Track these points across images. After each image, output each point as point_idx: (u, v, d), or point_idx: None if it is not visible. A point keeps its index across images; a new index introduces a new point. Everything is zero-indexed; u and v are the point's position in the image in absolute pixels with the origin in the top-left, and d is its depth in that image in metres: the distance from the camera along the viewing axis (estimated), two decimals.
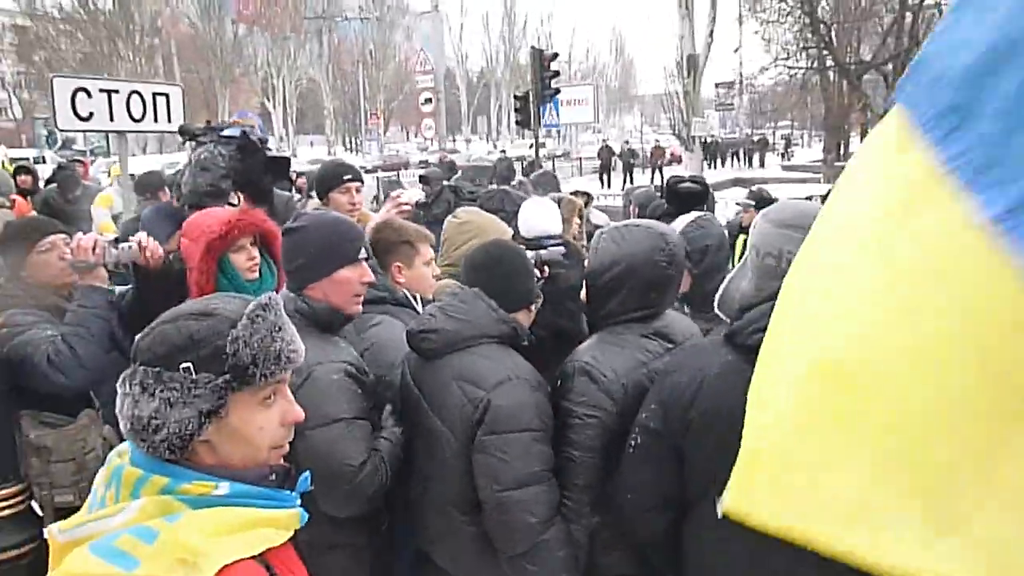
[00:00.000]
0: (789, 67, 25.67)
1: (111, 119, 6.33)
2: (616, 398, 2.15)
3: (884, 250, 1.20)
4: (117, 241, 2.81)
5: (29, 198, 8.55)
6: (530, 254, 2.62)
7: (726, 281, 2.10)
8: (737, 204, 7.64)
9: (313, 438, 2.09)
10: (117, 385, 1.26)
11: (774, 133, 54.29)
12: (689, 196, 4.85)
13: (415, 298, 2.91)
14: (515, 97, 19.27)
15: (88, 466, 2.78)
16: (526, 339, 2.33)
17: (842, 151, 29.13)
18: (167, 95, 6.74)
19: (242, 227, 2.77)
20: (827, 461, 1.19)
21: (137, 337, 1.30)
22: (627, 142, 36.83)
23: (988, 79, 1.13)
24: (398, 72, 64.98)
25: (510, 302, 2.32)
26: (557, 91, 18.26)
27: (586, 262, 2.44)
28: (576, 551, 2.17)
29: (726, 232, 3.59)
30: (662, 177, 27.74)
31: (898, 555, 1.11)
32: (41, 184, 9.84)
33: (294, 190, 8.08)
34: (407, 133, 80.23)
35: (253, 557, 1.19)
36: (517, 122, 19.55)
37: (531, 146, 20.29)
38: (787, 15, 24.44)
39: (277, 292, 2.30)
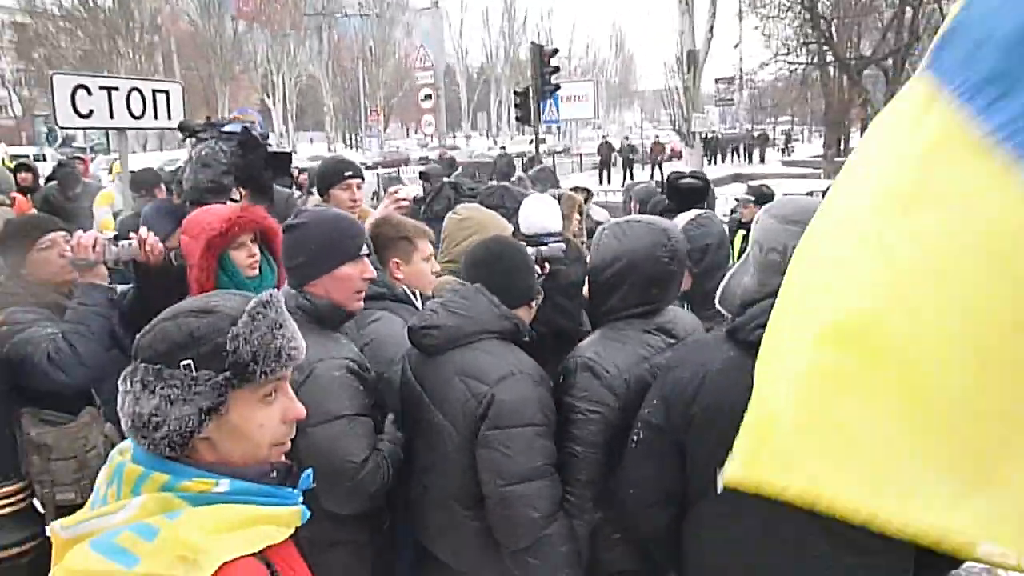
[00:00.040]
0: (789, 62, 25.67)
1: (111, 116, 6.33)
2: (619, 393, 2.15)
3: (906, 213, 1.16)
4: (117, 238, 2.80)
5: (29, 196, 8.53)
6: (530, 250, 2.61)
7: (727, 277, 2.10)
8: (736, 200, 7.63)
9: (315, 435, 2.09)
10: (118, 382, 1.26)
11: (774, 129, 54.25)
12: (690, 192, 4.86)
13: (414, 294, 2.91)
14: (515, 93, 19.25)
15: (89, 464, 2.78)
16: (527, 335, 2.33)
17: (842, 147, 29.12)
18: (167, 92, 6.74)
19: (243, 224, 2.77)
20: (848, 423, 1.15)
21: (138, 334, 1.29)
22: (627, 138, 36.76)
23: None
24: (398, 68, 64.93)
25: (511, 298, 2.32)
26: (557, 87, 18.24)
27: (587, 259, 2.44)
28: (578, 546, 2.17)
29: (727, 230, 3.59)
30: (661, 173, 27.73)
31: (925, 516, 1.08)
32: (41, 181, 9.82)
33: (295, 187, 8.07)
34: (407, 130, 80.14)
35: (254, 554, 1.19)
36: (517, 118, 19.55)
37: (531, 142, 20.30)
38: (787, 10, 24.45)
39: (278, 289, 2.30)
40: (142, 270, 2.81)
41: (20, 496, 2.77)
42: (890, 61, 22.53)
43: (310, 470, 1.40)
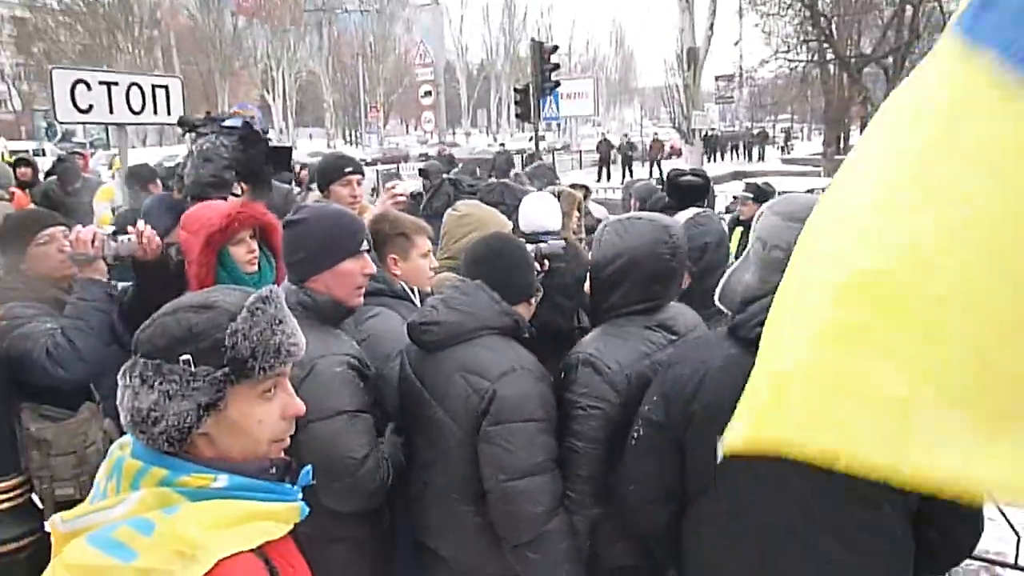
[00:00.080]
0: (789, 60, 25.61)
1: (110, 111, 6.32)
2: (620, 389, 2.15)
3: (930, 168, 1.12)
4: (116, 233, 2.80)
5: (28, 190, 8.52)
6: (529, 247, 2.61)
7: (727, 274, 2.09)
8: (734, 197, 7.63)
9: (316, 431, 2.09)
10: (118, 377, 1.26)
11: (774, 126, 54.27)
12: (690, 189, 4.85)
13: (412, 291, 2.90)
14: (515, 90, 19.22)
15: (89, 459, 2.77)
16: (527, 332, 2.33)
17: (842, 144, 29.13)
18: (166, 87, 6.73)
19: (242, 220, 2.76)
20: (868, 377, 1.11)
21: (138, 329, 1.29)
22: (626, 135, 36.70)
23: None
24: (398, 65, 64.94)
25: (511, 295, 2.32)
26: (557, 84, 18.21)
27: (581, 258, 2.43)
28: (579, 541, 2.18)
29: (726, 228, 3.59)
30: (660, 171, 27.71)
31: (949, 463, 1.05)
32: (41, 176, 9.81)
33: (294, 183, 8.06)
34: (407, 126, 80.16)
35: (252, 550, 1.19)
36: (517, 115, 19.51)
37: (531, 139, 20.27)
38: (787, 8, 24.39)
39: (277, 285, 2.30)
40: (140, 265, 2.81)
41: (19, 491, 2.77)
42: (890, 59, 22.50)
43: (309, 467, 1.40)
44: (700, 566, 1.99)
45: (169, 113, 6.66)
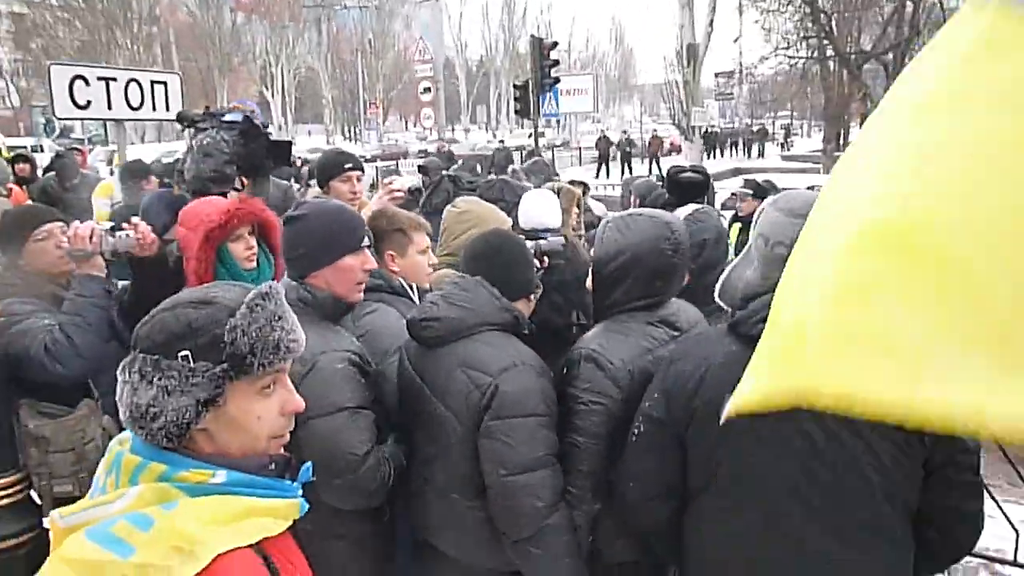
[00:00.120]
0: (789, 56, 25.58)
1: (109, 107, 6.32)
2: (622, 385, 2.15)
3: (951, 112, 1.10)
4: (114, 229, 2.79)
5: (27, 187, 8.52)
6: (529, 244, 2.61)
7: (728, 270, 2.09)
8: (732, 194, 7.63)
9: (317, 427, 2.09)
10: (117, 373, 1.26)
11: (774, 123, 54.30)
12: (690, 186, 4.84)
13: (411, 287, 2.90)
14: (515, 86, 19.21)
15: (87, 456, 2.77)
16: (526, 328, 2.33)
17: (842, 141, 29.06)
18: (165, 83, 6.73)
19: (241, 216, 2.76)
20: (884, 319, 1.09)
21: (137, 325, 1.29)
22: (625, 132, 36.68)
23: None
24: (397, 61, 64.79)
25: (510, 291, 2.32)
26: (557, 80, 18.20)
27: (581, 255, 2.43)
28: (579, 536, 2.18)
29: (725, 225, 3.58)
30: (659, 167, 27.70)
31: (966, 398, 1.03)
32: (39, 172, 9.80)
33: (293, 180, 8.05)
34: (406, 122, 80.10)
35: (250, 546, 1.19)
36: (516, 111, 19.48)
37: (530, 135, 20.25)
38: (787, 4, 24.34)
39: (276, 281, 2.29)
40: (137, 261, 2.80)
41: (18, 487, 2.77)
42: (890, 56, 22.46)
43: (309, 463, 1.40)
44: (701, 563, 1.98)
45: (168, 109, 6.67)
